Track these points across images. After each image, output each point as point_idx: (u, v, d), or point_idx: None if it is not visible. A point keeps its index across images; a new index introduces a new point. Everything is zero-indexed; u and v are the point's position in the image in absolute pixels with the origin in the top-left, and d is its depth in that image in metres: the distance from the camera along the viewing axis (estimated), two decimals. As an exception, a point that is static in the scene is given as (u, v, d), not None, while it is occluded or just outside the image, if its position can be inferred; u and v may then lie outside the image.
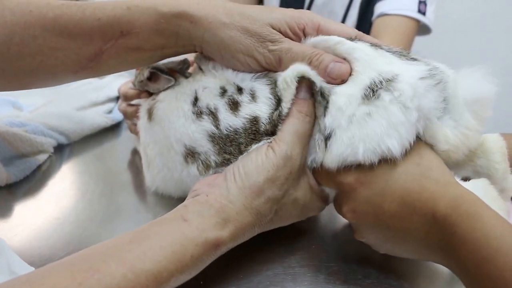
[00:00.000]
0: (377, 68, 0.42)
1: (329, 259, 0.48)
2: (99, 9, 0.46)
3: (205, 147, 0.48)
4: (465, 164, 0.46)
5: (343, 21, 1.14)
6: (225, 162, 0.47)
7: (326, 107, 0.44)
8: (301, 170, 0.45)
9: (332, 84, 0.44)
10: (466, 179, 0.48)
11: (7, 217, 0.55)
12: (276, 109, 0.45)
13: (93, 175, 0.67)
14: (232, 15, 0.46)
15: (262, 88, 0.46)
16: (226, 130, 0.47)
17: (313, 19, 0.47)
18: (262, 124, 0.46)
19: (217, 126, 0.47)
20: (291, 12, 0.47)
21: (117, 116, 0.82)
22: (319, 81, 0.44)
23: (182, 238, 0.38)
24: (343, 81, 0.44)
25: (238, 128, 0.46)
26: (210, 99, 0.48)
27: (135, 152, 0.72)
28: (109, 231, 0.53)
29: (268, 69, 0.47)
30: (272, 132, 0.46)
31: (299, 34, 0.47)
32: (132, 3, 0.46)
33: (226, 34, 0.46)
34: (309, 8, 1.16)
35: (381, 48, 0.45)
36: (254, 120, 0.46)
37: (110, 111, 0.85)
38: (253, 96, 0.46)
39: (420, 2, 1.06)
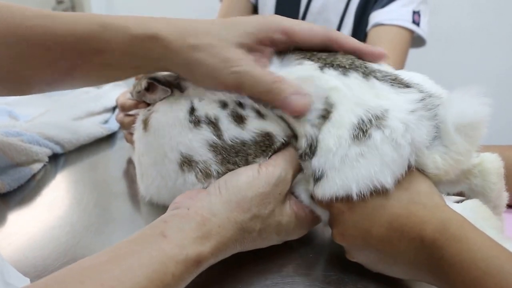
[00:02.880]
0: (364, 104, 0.41)
1: (328, 268, 0.48)
2: (73, 24, 0.46)
3: (205, 156, 0.47)
4: (461, 182, 0.46)
5: (338, 29, 1.15)
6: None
7: (312, 146, 0.43)
8: (287, 194, 0.46)
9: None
10: (460, 193, 0.49)
11: (0, 227, 0.54)
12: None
13: (88, 184, 0.66)
14: (197, 36, 0.45)
15: (263, 108, 0.46)
16: (231, 141, 0.46)
17: (280, 23, 0.46)
18: (277, 141, 0.45)
19: (219, 136, 0.46)
20: (256, 22, 0.46)
21: (113, 126, 0.82)
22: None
23: (162, 255, 0.37)
24: (301, 115, 0.43)
25: (246, 140, 0.46)
26: (210, 109, 0.47)
27: (130, 162, 0.72)
28: (104, 241, 0.53)
29: (233, 90, 0.46)
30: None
31: (266, 43, 0.46)
32: (106, 21, 0.46)
33: (192, 57, 0.45)
34: (304, 15, 1.17)
35: (374, 77, 0.43)
36: (267, 135, 0.45)
37: (106, 121, 0.85)
38: (259, 113, 0.46)
39: (414, 13, 1.07)
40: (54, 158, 0.72)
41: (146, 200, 0.56)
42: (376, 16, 1.08)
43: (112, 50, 0.46)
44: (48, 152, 0.71)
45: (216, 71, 0.45)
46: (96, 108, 0.86)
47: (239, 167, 0.46)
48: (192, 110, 0.48)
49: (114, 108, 0.90)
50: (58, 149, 0.73)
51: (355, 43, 0.47)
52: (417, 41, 1.13)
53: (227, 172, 0.46)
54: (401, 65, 1.05)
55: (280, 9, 1.19)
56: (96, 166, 0.73)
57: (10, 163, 0.65)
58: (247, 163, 0.46)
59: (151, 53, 0.46)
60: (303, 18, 1.16)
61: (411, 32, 1.08)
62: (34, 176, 0.67)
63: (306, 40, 0.47)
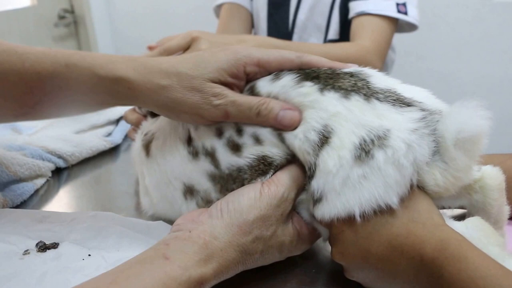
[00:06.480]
0: (366, 125, 0.41)
1: (330, 283, 0.48)
2: (38, 63, 0.46)
3: (205, 185, 0.48)
4: (462, 197, 0.46)
5: (327, 31, 1.18)
6: None
7: (311, 168, 0.42)
8: (290, 213, 0.46)
9: (283, 130, 0.44)
10: (461, 207, 0.48)
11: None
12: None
13: (91, 199, 0.66)
14: (169, 77, 0.45)
15: (267, 135, 0.45)
16: (228, 170, 0.46)
17: (250, 55, 0.47)
18: (275, 159, 0.45)
19: (216, 166, 0.47)
20: (226, 57, 0.46)
21: (116, 139, 0.82)
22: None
23: (164, 277, 0.37)
24: (294, 128, 0.43)
25: (242, 166, 0.46)
26: (205, 139, 0.47)
27: (133, 176, 0.72)
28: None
29: (216, 122, 0.47)
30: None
31: (240, 76, 0.47)
32: (71, 60, 0.46)
33: (167, 98, 0.45)
34: (293, 24, 1.19)
35: (376, 98, 0.42)
36: (262, 159, 0.45)
37: (109, 134, 0.85)
38: (257, 140, 0.45)
39: (398, 5, 1.08)
40: (57, 173, 0.73)
41: (148, 214, 0.56)
42: (360, 5, 1.09)
43: (77, 88, 0.47)
44: (51, 166, 0.71)
45: (198, 107, 0.45)
46: (99, 120, 0.87)
47: None
48: (189, 140, 0.49)
49: (117, 121, 0.90)
50: (61, 163, 0.73)
51: (327, 63, 0.48)
52: (408, 27, 1.14)
53: None
54: (382, 54, 1.06)
55: (272, 21, 1.21)
56: (99, 180, 0.73)
57: (13, 178, 0.65)
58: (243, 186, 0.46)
59: (117, 93, 0.47)
60: (293, 26, 1.19)
61: (395, 21, 1.09)
62: (37, 191, 0.67)
63: (279, 68, 0.47)
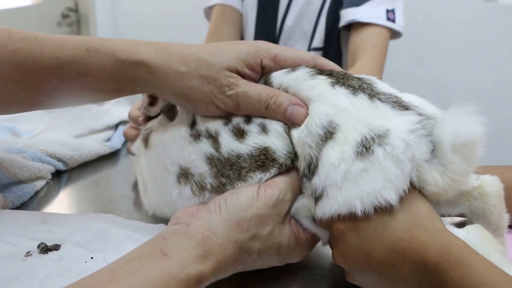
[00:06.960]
0: (368, 123, 0.42)
1: (334, 289, 0.48)
2: (58, 48, 0.46)
3: (201, 168, 0.48)
4: (461, 203, 0.47)
5: (312, 37, 1.18)
6: (220, 188, 0.47)
7: (312, 163, 0.43)
8: (287, 215, 0.46)
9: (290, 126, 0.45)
10: (461, 215, 0.49)
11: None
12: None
13: (91, 201, 0.67)
14: (188, 63, 0.46)
15: (274, 125, 0.46)
16: (228, 154, 0.47)
17: (269, 50, 0.48)
18: (279, 156, 0.45)
19: (217, 148, 0.47)
20: (246, 48, 0.47)
21: (116, 144, 0.83)
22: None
23: (162, 274, 0.37)
24: (301, 124, 0.45)
25: (242, 154, 0.46)
26: (210, 124, 0.48)
27: (133, 179, 0.72)
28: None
29: (230, 113, 0.47)
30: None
31: (256, 69, 0.48)
32: (92, 45, 0.47)
33: (184, 85, 0.46)
34: (281, 28, 1.20)
35: (378, 99, 0.44)
36: (264, 150, 0.46)
37: (108, 139, 0.85)
38: (263, 129, 0.46)
39: (387, 11, 1.10)
40: (57, 175, 0.73)
41: (150, 214, 0.57)
42: (352, 13, 1.10)
43: (96, 74, 0.47)
44: (51, 169, 0.71)
45: (212, 96, 0.46)
46: (98, 125, 0.87)
47: (231, 180, 0.46)
48: (193, 124, 0.49)
49: (116, 126, 0.90)
50: (61, 166, 0.73)
51: (340, 68, 0.49)
52: (393, 34, 1.16)
53: (220, 186, 0.47)
54: (383, 67, 1.09)
55: (260, 25, 1.22)
56: (99, 183, 0.73)
57: (13, 180, 0.65)
58: (239, 177, 0.46)
59: (137, 78, 0.47)
60: (280, 31, 1.20)
61: (389, 30, 1.11)
62: (37, 193, 0.67)
63: (294, 66, 0.48)
